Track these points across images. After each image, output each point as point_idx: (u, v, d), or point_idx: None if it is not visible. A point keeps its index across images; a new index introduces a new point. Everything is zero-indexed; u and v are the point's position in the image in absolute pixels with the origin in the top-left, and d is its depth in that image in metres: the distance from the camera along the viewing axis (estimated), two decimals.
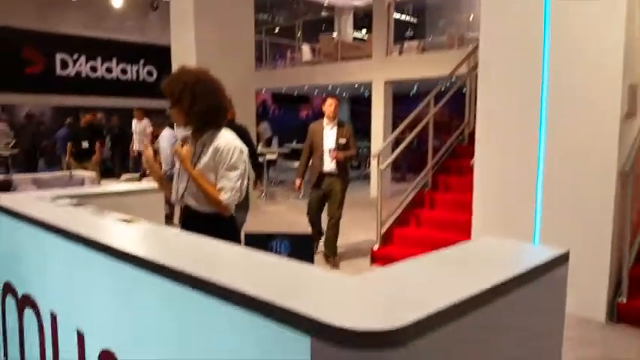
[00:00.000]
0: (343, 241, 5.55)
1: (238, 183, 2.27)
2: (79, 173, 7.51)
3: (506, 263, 1.38)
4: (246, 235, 2.72)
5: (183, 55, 7.22)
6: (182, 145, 2.34)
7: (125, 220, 1.85)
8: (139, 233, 1.69)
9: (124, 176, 9.45)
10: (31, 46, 12.35)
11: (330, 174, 5.16)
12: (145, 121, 10.02)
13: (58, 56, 12.80)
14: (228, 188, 2.25)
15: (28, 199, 2.32)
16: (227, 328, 1.15)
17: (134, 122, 10.08)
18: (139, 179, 7.99)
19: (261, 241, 2.47)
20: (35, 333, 1.93)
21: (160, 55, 11.54)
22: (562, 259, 1.45)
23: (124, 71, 13.93)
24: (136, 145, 9.99)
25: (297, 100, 17.69)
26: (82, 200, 2.40)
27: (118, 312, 1.51)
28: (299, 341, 0.96)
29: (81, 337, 1.66)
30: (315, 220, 5.36)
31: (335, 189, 5.17)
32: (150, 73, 14.32)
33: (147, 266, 1.34)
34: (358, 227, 6.38)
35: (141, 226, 1.78)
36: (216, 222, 2.28)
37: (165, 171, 6.40)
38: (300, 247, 2.33)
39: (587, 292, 3.61)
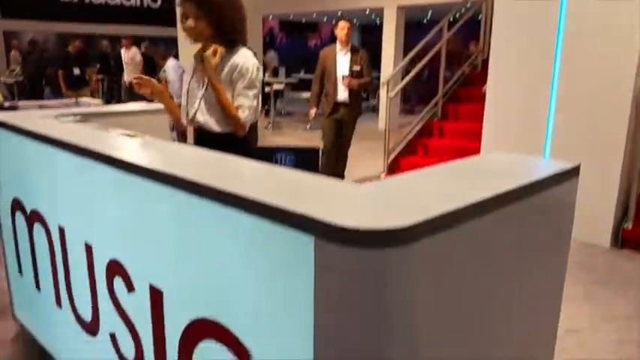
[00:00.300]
0: (349, 172, 5.53)
1: (255, 102, 2.19)
2: (86, 100, 7.47)
3: (514, 174, 1.35)
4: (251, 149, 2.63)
5: None
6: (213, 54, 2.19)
7: (129, 135, 1.83)
8: (144, 146, 1.66)
9: (131, 104, 9.36)
10: None
11: (343, 103, 4.93)
12: (134, 50, 9.68)
13: None
14: (246, 106, 2.18)
15: (32, 116, 2.29)
16: (233, 233, 1.15)
17: (122, 51, 9.71)
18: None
19: (266, 155, 2.43)
20: (45, 247, 1.97)
21: None
22: (572, 173, 1.41)
23: None
24: (125, 76, 9.64)
25: (306, 28, 17.16)
26: (85, 118, 2.38)
27: (124, 223, 1.51)
28: (303, 241, 0.96)
29: (89, 249, 1.69)
30: (332, 148, 5.02)
31: (347, 120, 4.97)
32: (154, 0, 13.87)
33: (152, 176, 1.32)
34: (366, 158, 6.36)
35: (145, 139, 1.76)
36: (229, 142, 2.18)
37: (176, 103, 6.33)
38: (305, 161, 2.29)
39: (593, 217, 3.61)
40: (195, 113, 2.25)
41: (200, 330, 1.29)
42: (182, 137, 5.50)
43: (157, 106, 3.00)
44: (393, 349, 0.96)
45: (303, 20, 15.53)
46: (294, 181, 1.26)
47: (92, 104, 7.32)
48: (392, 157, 5.47)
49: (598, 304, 2.93)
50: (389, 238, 0.90)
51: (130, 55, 9.62)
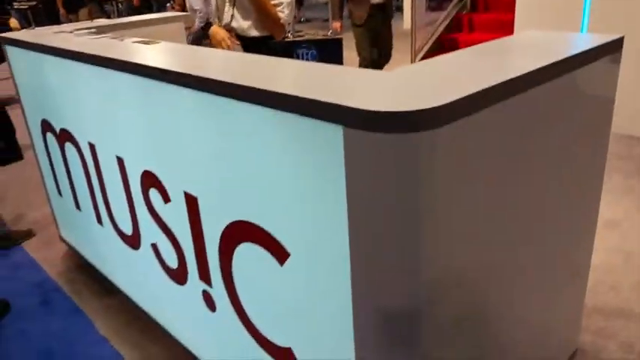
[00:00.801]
0: None
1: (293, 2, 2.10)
2: (103, 22, 7.30)
3: (550, 51, 1.23)
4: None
5: None
6: None
7: (144, 42, 1.75)
8: (164, 51, 1.59)
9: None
10: None
11: (378, 5, 4.24)
12: None
13: None
14: (285, 4, 2.08)
15: (48, 33, 2.22)
16: (262, 132, 1.11)
17: None
18: None
19: (286, 50, 2.31)
20: (79, 166, 1.98)
21: None
22: (615, 46, 1.29)
23: None
24: None
25: None
26: (101, 30, 2.30)
27: (153, 133, 1.48)
28: (332, 131, 0.92)
29: (121, 163, 1.68)
30: (372, 62, 4.41)
31: (383, 26, 4.34)
32: None
33: (178, 80, 1.27)
34: (393, 60, 6.10)
35: (163, 45, 1.68)
36: (265, 45, 2.11)
37: (199, 26, 6.11)
38: (328, 53, 2.18)
39: (632, 106, 3.42)
40: (230, 20, 2.15)
41: (237, 233, 1.30)
42: (196, 43, 5.37)
43: (171, 14, 2.88)
44: (426, 237, 0.94)
45: None
46: (319, 73, 1.19)
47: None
48: (420, 56, 5.23)
49: (636, 197, 2.85)
50: (419, 120, 0.85)
51: None
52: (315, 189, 1.04)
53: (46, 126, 2.15)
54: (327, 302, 1.10)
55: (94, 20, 5.18)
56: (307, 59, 2.10)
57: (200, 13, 5.95)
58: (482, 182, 1.01)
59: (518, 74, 0.99)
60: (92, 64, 1.59)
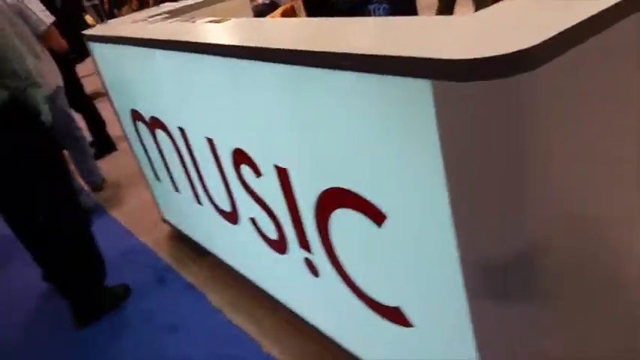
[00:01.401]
0: None
1: None
2: (170, 5, 7.49)
3: None
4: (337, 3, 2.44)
5: None
6: None
7: (215, 21, 1.76)
8: (236, 28, 1.59)
9: None
10: None
11: None
12: None
13: None
14: None
15: (125, 24, 2.31)
16: (346, 98, 1.09)
17: None
18: None
19: (356, 9, 2.22)
20: (172, 150, 2.07)
21: None
22: None
23: None
24: None
25: None
26: (173, 14, 2.34)
27: (238, 111, 1.51)
28: (420, 88, 0.88)
29: (211, 142, 1.74)
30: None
31: None
32: None
33: (257, 55, 1.27)
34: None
35: (233, 22, 1.68)
36: (332, 7, 2.03)
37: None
38: (400, 4, 2.07)
39: None
40: None
41: (331, 200, 1.30)
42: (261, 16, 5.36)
43: None
44: (532, 183, 0.89)
45: None
46: (395, 28, 1.14)
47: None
48: None
49: None
50: (512, 63, 0.79)
51: None
52: (406, 147, 1.01)
53: (136, 115, 2.25)
54: (431, 257, 1.08)
55: (162, 5, 5.29)
56: (380, 14, 2.00)
57: None
58: (581, 123, 0.93)
59: (608, 6, 0.88)
60: (171, 49, 1.63)
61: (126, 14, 7.70)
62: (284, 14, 2.16)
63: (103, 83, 2.47)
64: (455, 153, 0.92)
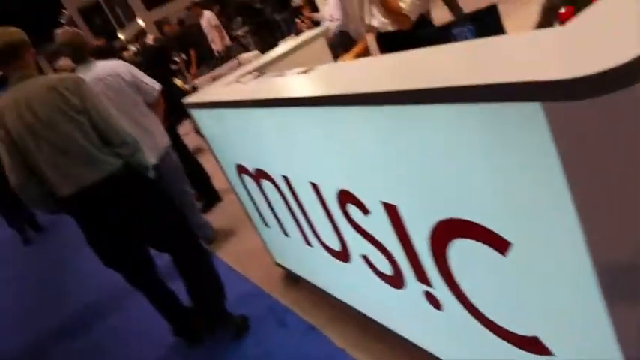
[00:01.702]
0: None
1: None
2: (244, 57, 7.93)
3: None
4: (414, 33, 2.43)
5: None
6: None
7: (303, 72, 1.84)
8: (325, 77, 1.66)
9: (282, 44, 9.53)
10: None
11: None
12: (207, 14, 9.32)
13: None
14: None
15: (217, 87, 2.48)
16: (449, 128, 1.09)
17: (200, 21, 9.44)
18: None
19: (440, 37, 2.20)
20: (278, 198, 2.16)
21: None
22: None
23: None
24: (217, 43, 9.36)
25: None
26: (261, 70, 2.48)
27: (340, 154, 1.55)
28: (530, 111, 0.87)
29: (315, 187, 1.80)
30: None
31: None
32: None
33: (353, 101, 1.31)
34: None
35: (321, 70, 1.75)
36: (406, 36, 2.08)
37: (336, 31, 6.28)
38: (486, 25, 2.01)
39: None
40: (370, 19, 2.17)
41: (446, 231, 1.29)
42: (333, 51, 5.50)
43: (310, 33, 3.00)
44: None
45: None
46: (490, 52, 1.13)
47: (250, 57, 7.77)
48: None
49: None
50: (632, 72, 0.76)
51: (204, 22, 9.37)
52: (524, 172, 0.99)
53: (241, 169, 2.39)
54: (565, 281, 1.03)
55: (254, 60, 5.59)
56: (466, 38, 1.98)
57: (338, 20, 6.08)
58: None
59: None
60: (271, 106, 1.73)
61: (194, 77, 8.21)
62: (358, 56, 2.21)
63: (206, 142, 2.66)
64: (577, 170, 0.89)
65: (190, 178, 4.02)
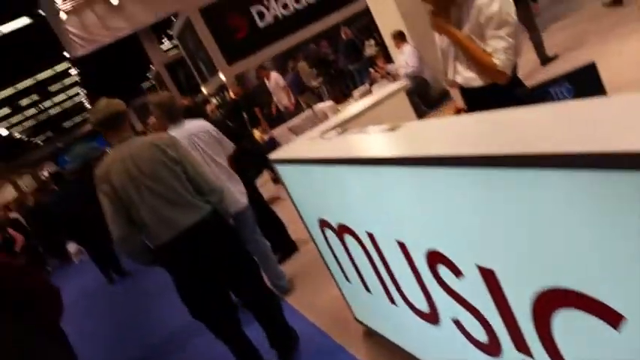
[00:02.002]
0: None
1: (511, 40, 1.96)
2: (318, 107, 8.13)
3: None
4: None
5: None
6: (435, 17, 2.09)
7: (389, 129, 1.85)
8: (415, 135, 1.66)
9: (356, 93, 9.65)
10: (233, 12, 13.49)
11: None
12: (274, 75, 9.82)
13: (254, 9, 13.70)
14: (500, 49, 1.96)
15: (302, 143, 2.54)
16: (557, 193, 1.04)
17: (267, 82, 10.03)
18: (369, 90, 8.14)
19: (535, 96, 2.13)
20: (361, 254, 2.14)
21: None
22: None
23: None
24: (284, 101, 9.90)
25: None
26: (343, 126, 2.53)
27: (432, 215, 1.52)
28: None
29: (403, 246, 1.76)
30: None
31: None
32: None
33: (445, 163, 1.29)
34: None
35: (408, 128, 1.75)
36: (494, 94, 2.03)
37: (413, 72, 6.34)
38: (585, 84, 1.93)
39: None
40: (453, 75, 2.16)
41: (552, 300, 1.21)
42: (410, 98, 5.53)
43: (391, 88, 3.04)
44: None
45: None
46: (596, 114, 1.08)
47: (326, 107, 7.95)
48: None
49: None
50: None
51: (272, 83, 9.87)
52: (636, 242, 0.91)
53: (324, 223, 2.40)
54: None
55: (328, 109, 5.70)
56: (564, 97, 1.91)
57: (414, 67, 6.15)
58: None
59: None
60: (358, 165, 1.74)
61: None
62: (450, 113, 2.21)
63: (289, 195, 2.71)
64: None
65: (266, 230, 4.09)
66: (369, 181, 1.78)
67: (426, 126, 1.72)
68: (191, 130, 3.33)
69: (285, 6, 14.03)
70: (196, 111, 3.97)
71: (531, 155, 1.03)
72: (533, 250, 1.19)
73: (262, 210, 4.35)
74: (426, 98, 6.25)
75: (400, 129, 1.74)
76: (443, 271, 1.60)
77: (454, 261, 1.52)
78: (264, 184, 6.70)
